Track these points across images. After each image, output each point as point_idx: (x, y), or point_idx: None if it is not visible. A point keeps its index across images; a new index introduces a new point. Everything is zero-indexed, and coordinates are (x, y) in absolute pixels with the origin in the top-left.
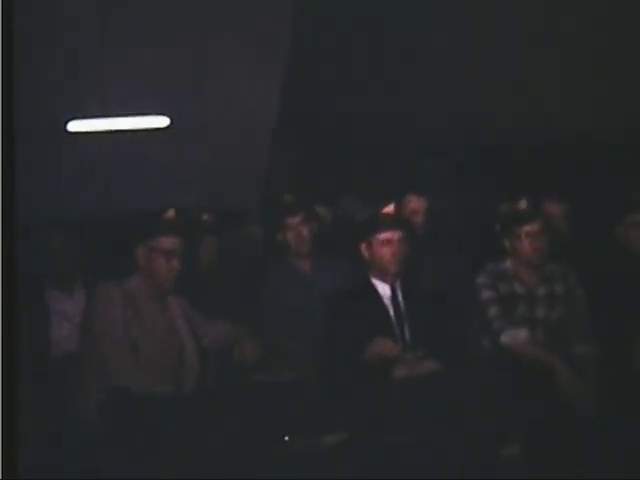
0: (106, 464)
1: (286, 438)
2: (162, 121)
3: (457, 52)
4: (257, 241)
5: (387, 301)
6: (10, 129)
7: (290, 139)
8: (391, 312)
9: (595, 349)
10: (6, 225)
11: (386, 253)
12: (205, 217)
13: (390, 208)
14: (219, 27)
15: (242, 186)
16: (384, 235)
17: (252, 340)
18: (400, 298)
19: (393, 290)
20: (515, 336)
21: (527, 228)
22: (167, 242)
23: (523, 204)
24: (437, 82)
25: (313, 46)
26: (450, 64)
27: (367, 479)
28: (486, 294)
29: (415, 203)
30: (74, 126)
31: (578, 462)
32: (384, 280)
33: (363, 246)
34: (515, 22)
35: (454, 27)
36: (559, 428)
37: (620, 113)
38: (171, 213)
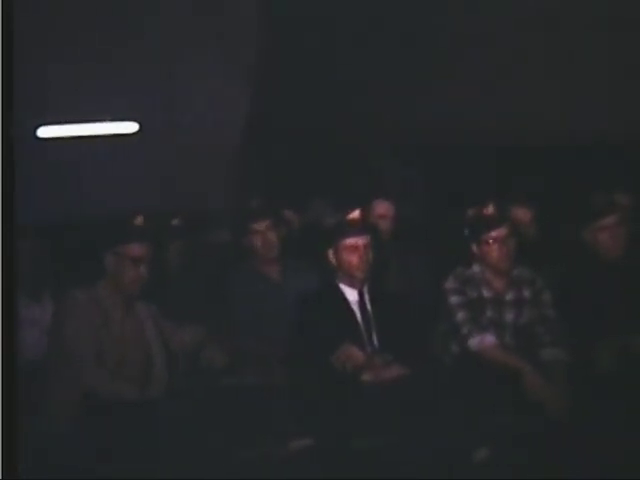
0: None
1: None
2: (131, 127)
3: (425, 56)
4: (225, 246)
5: (355, 306)
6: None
7: (258, 144)
8: (359, 317)
9: (563, 353)
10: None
11: (352, 259)
12: (173, 222)
13: (356, 214)
14: (188, 31)
15: (210, 191)
16: (350, 241)
17: (219, 344)
18: (368, 303)
19: (361, 295)
20: (483, 341)
21: (494, 233)
22: (135, 249)
23: (490, 209)
24: (405, 86)
25: (282, 54)
26: (418, 68)
27: None
28: (454, 299)
29: (382, 208)
30: (43, 132)
31: (547, 465)
32: (351, 285)
33: (330, 252)
34: (484, 23)
35: (426, 28)
36: (528, 432)
37: (586, 115)
38: (139, 219)
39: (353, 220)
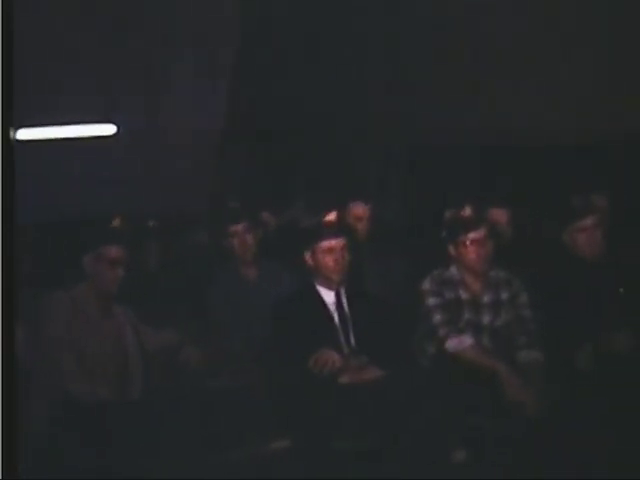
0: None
1: None
2: (108, 129)
3: (406, 58)
4: (203, 247)
5: (332, 308)
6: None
7: (237, 146)
8: (336, 319)
9: (540, 354)
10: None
11: (329, 261)
12: (151, 224)
13: (332, 216)
14: (165, 35)
15: (188, 193)
16: (326, 243)
17: (197, 346)
18: (345, 305)
19: (338, 297)
20: (460, 342)
21: (472, 235)
22: (113, 251)
23: (467, 211)
24: (383, 89)
25: (260, 55)
26: (395, 70)
27: None
28: (431, 300)
29: (359, 210)
30: (21, 134)
31: (525, 465)
32: (329, 287)
33: (307, 254)
34: (466, 24)
35: (410, 29)
36: (505, 433)
37: (565, 117)
38: (117, 221)
39: (329, 222)
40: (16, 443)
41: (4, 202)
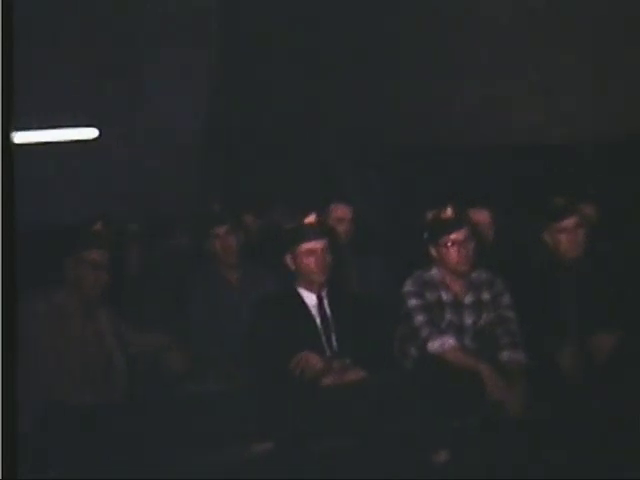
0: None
1: None
2: (91, 133)
3: (379, 58)
4: (185, 250)
5: (314, 310)
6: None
7: (219, 149)
8: (318, 321)
9: (522, 355)
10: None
11: (310, 263)
12: (133, 227)
13: (312, 218)
14: (148, 37)
15: (170, 196)
16: (307, 245)
17: (180, 349)
18: (327, 307)
19: (320, 299)
20: (442, 343)
21: (453, 236)
22: (94, 255)
23: (449, 212)
24: (361, 90)
25: (241, 57)
26: (372, 70)
27: None
28: (412, 302)
29: (340, 211)
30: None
31: (507, 466)
32: (310, 289)
33: (288, 257)
34: (440, 24)
35: (382, 31)
36: (488, 434)
37: (547, 118)
38: (98, 225)
39: (310, 224)
40: (16, 443)
41: (4, 205)
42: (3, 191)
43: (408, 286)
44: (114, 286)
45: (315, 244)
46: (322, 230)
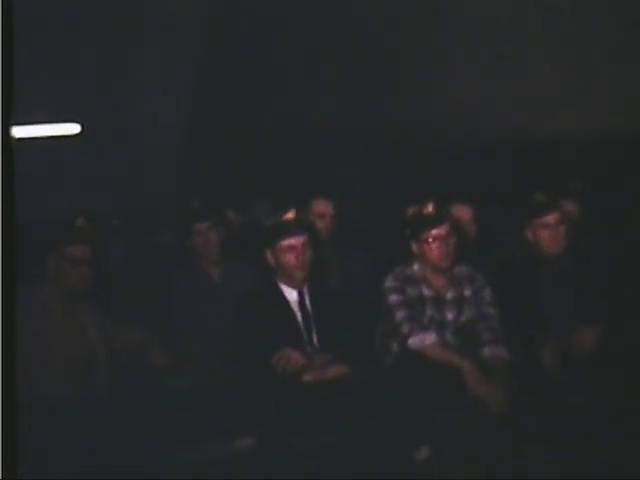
0: None
1: None
2: (73, 128)
3: (362, 56)
4: (167, 246)
5: (295, 306)
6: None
7: (200, 146)
8: (299, 317)
9: (504, 351)
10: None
11: (290, 259)
12: (115, 222)
13: (292, 214)
14: (131, 35)
15: (152, 191)
16: (287, 241)
17: (162, 345)
18: (308, 302)
19: (300, 295)
20: (423, 339)
21: (434, 231)
22: (77, 250)
23: (430, 207)
24: (344, 86)
25: (222, 55)
26: (355, 68)
27: None
28: (393, 298)
29: (321, 207)
30: None
31: (489, 463)
32: (291, 285)
33: (268, 253)
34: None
35: (363, 30)
36: (469, 430)
37: (531, 115)
38: (81, 221)
39: (290, 220)
40: (16, 443)
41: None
42: (3, 188)
43: (389, 282)
44: (97, 281)
45: (295, 240)
46: (302, 226)
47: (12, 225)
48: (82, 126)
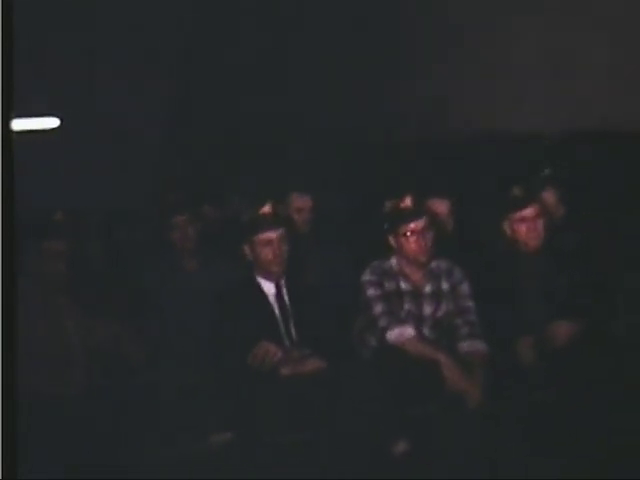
0: None
1: None
2: (52, 122)
3: (340, 53)
4: (144, 240)
5: (272, 299)
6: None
7: (178, 139)
8: (276, 310)
9: (482, 345)
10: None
11: (267, 253)
12: (93, 217)
13: (268, 208)
14: (108, 31)
15: (129, 186)
16: (264, 235)
17: (140, 340)
18: (285, 296)
19: (278, 288)
20: (401, 333)
21: (412, 226)
22: (55, 244)
23: (408, 201)
24: (322, 83)
25: (199, 50)
26: (332, 65)
27: (254, 479)
28: (371, 292)
29: (299, 201)
30: None
31: (467, 457)
32: (268, 279)
33: (246, 246)
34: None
35: (337, 28)
36: (447, 423)
37: (507, 108)
38: (59, 215)
39: (266, 214)
40: (16, 443)
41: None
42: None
43: (367, 276)
44: (74, 276)
45: (271, 234)
46: (278, 220)
47: (12, 225)
48: (61, 120)
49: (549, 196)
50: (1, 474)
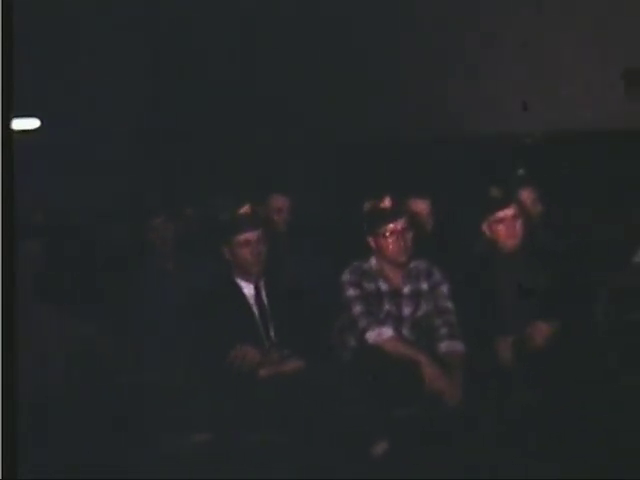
0: None
1: None
2: (32, 123)
3: (315, 55)
4: (123, 241)
5: (251, 300)
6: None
7: (157, 141)
8: (255, 311)
9: (461, 345)
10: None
11: (246, 254)
12: (72, 218)
13: (246, 209)
14: (89, 33)
15: (107, 187)
16: (242, 236)
17: (117, 341)
18: (264, 297)
19: (257, 289)
20: (380, 334)
21: (391, 226)
22: (32, 245)
23: (387, 202)
24: (300, 83)
25: (180, 53)
26: (311, 66)
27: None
28: (350, 292)
29: (278, 202)
30: None
31: (446, 458)
32: (248, 280)
33: (224, 247)
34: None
35: (318, 30)
36: (426, 425)
37: (485, 109)
38: (37, 216)
39: (244, 215)
40: (16, 443)
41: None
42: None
43: (346, 276)
44: (51, 277)
45: (250, 235)
46: (257, 221)
47: (12, 226)
48: (41, 120)
49: (526, 195)
50: (1, 474)
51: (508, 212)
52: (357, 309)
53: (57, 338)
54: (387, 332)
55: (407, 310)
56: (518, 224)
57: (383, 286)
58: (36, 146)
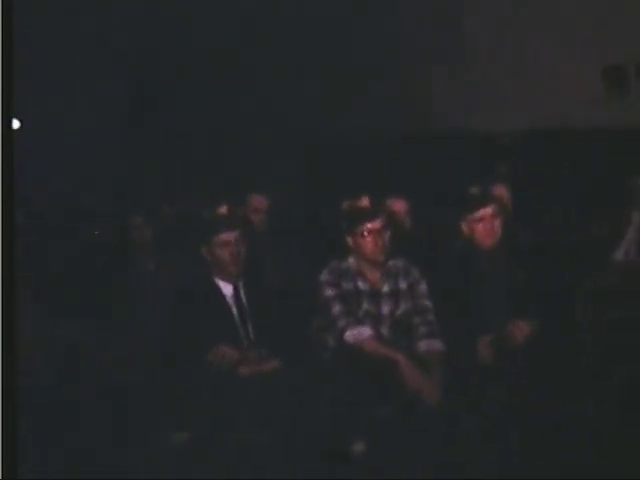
0: None
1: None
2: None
3: (295, 56)
4: (104, 241)
5: (230, 300)
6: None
7: (137, 141)
8: (234, 311)
9: (440, 344)
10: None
11: (224, 254)
12: (55, 218)
13: (224, 209)
14: (71, 32)
15: (89, 186)
16: (221, 237)
17: (100, 340)
18: (243, 297)
19: (236, 289)
20: (359, 333)
21: (369, 225)
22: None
23: (365, 201)
24: (281, 83)
25: (162, 52)
26: (291, 66)
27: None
28: (329, 292)
29: (257, 202)
30: None
31: (425, 457)
32: (227, 280)
33: (203, 248)
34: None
35: (299, 32)
36: (405, 424)
37: (466, 109)
38: (20, 217)
39: (222, 215)
40: (16, 443)
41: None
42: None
43: (324, 276)
44: (34, 277)
45: (228, 235)
46: (235, 221)
47: (12, 226)
48: (21, 121)
49: (505, 194)
50: (1, 474)
51: (487, 211)
52: (336, 309)
53: (41, 337)
54: (366, 331)
55: (386, 309)
56: (497, 223)
57: (362, 285)
58: (17, 146)
